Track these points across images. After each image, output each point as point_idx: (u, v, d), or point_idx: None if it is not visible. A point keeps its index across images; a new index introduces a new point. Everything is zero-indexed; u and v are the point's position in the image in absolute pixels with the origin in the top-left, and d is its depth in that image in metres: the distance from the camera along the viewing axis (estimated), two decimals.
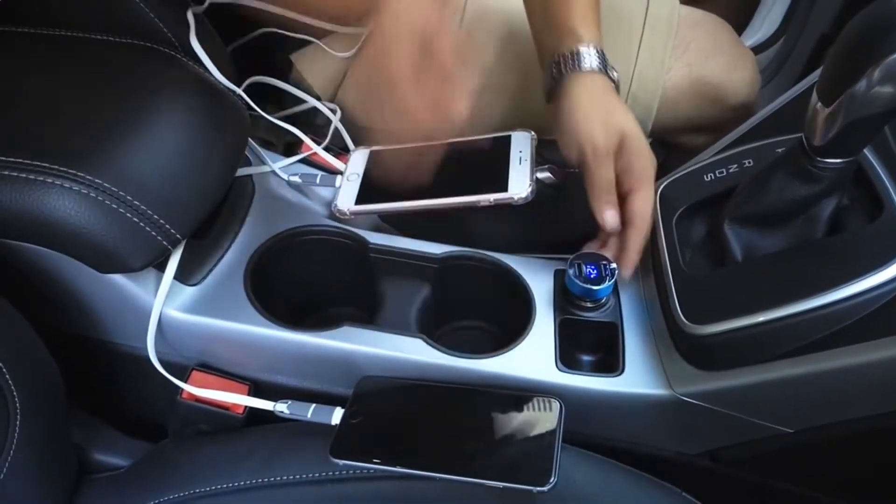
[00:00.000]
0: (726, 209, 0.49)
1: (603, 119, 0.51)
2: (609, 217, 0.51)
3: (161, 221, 0.46)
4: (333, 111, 0.70)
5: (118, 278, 0.49)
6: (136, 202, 0.45)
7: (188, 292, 0.51)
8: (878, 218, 0.44)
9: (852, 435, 0.46)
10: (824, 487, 0.52)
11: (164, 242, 0.47)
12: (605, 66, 0.53)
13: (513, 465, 0.43)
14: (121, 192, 0.44)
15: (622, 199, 0.52)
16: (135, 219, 0.45)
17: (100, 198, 0.44)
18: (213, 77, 0.55)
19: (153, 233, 0.46)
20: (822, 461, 0.50)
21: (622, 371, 0.49)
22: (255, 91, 0.70)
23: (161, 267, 0.49)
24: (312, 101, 0.70)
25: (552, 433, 0.44)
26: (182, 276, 0.51)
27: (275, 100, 0.78)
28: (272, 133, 0.74)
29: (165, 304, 0.50)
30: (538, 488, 0.41)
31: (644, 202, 0.51)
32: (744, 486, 0.54)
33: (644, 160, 0.51)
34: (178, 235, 0.47)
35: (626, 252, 0.51)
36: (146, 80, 0.51)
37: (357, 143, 0.67)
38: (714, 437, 0.51)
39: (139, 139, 0.47)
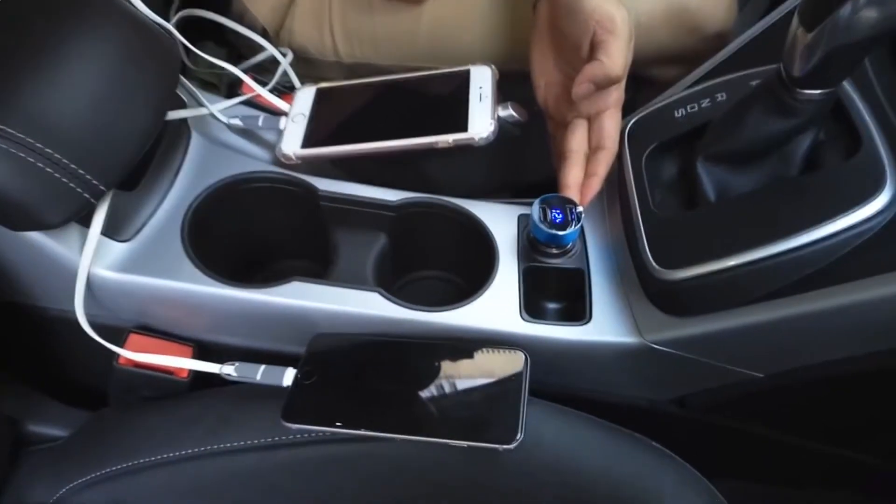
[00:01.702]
0: (699, 146, 0.46)
1: (617, 3, 0.48)
2: (583, 90, 0.48)
3: (80, 171, 0.41)
4: (284, 54, 0.65)
5: (37, 236, 0.44)
6: (48, 150, 0.40)
7: (119, 249, 0.47)
8: (855, 154, 0.42)
9: (824, 378, 0.45)
10: (795, 430, 0.52)
11: (85, 195, 0.42)
12: None
13: (477, 423, 0.41)
14: (29, 139, 0.39)
15: (589, 124, 0.51)
16: (48, 169, 0.40)
17: (4, 146, 0.38)
18: (137, 9, 0.49)
19: (71, 184, 0.41)
20: (792, 404, 0.50)
21: (589, 319, 0.47)
22: (192, 27, 0.64)
23: (85, 222, 0.45)
24: (262, 42, 0.64)
25: (517, 387, 0.42)
26: (111, 231, 0.46)
27: (216, 36, 0.72)
28: (214, 74, 0.69)
29: (94, 263, 0.45)
30: (504, 446, 0.39)
31: (617, 123, 0.50)
32: (712, 430, 0.53)
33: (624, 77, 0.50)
34: (101, 187, 0.42)
35: (594, 178, 0.50)
36: (56, 11, 0.45)
37: (304, 81, 0.61)
38: (684, 383, 0.49)
39: (49, 79, 0.41)
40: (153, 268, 0.47)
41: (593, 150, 0.51)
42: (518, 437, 0.39)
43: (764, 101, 0.42)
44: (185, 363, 0.47)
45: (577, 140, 0.51)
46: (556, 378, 0.49)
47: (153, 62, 0.47)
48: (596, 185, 0.50)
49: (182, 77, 0.57)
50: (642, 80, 0.69)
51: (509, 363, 0.44)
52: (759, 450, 0.57)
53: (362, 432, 0.41)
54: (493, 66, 0.54)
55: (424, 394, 0.43)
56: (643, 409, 0.52)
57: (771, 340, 0.44)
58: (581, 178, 0.50)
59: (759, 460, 0.59)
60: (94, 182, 0.42)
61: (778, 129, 0.42)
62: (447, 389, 0.43)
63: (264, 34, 0.67)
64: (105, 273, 0.46)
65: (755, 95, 0.43)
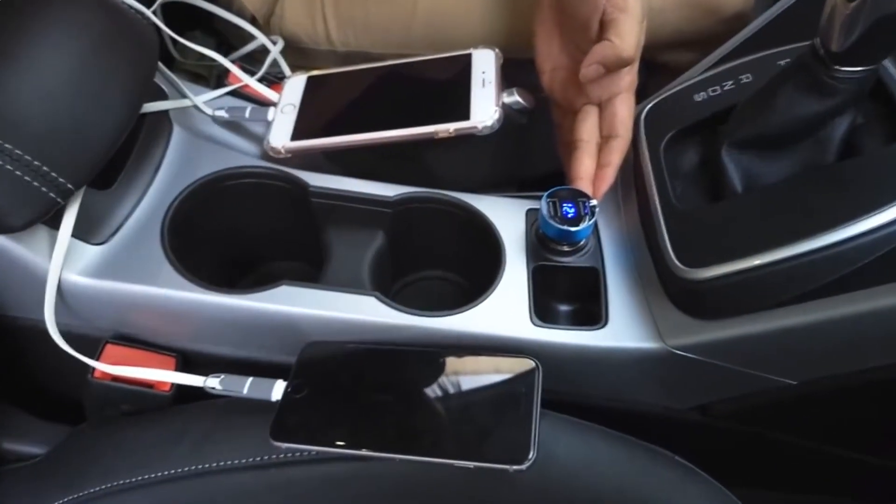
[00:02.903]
0: (723, 132, 0.42)
1: None
2: (591, 72, 0.44)
3: (44, 169, 0.37)
4: (275, 42, 0.61)
5: (1, 240, 0.40)
6: (7, 146, 0.36)
7: (93, 253, 0.43)
8: None
9: (862, 385, 0.41)
10: (827, 438, 0.48)
11: (51, 194, 0.38)
12: None
13: (484, 440, 0.37)
14: None
15: (600, 110, 0.47)
16: (8, 167, 0.36)
17: None
18: None
19: (35, 183, 0.37)
20: (825, 412, 0.46)
21: (605, 323, 0.43)
22: (180, 16, 0.61)
23: (54, 224, 0.41)
24: (251, 30, 0.60)
25: (528, 399, 0.39)
26: (84, 233, 0.43)
27: (205, 26, 0.69)
28: (203, 66, 0.65)
29: (66, 269, 0.42)
30: (515, 467, 0.36)
31: (630, 108, 0.46)
32: (736, 438, 0.50)
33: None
34: (69, 185, 0.39)
35: (608, 168, 0.46)
36: None
37: (296, 71, 0.58)
38: (708, 391, 0.46)
39: (8, 67, 0.37)
40: (131, 273, 0.43)
41: (605, 138, 0.47)
42: (530, 457, 0.36)
43: (797, 80, 0.38)
44: (167, 376, 0.43)
45: (588, 128, 0.47)
46: (568, 386, 0.45)
47: (127, 49, 0.43)
48: (610, 176, 0.46)
49: (165, 67, 0.53)
50: (654, 66, 0.65)
51: (519, 372, 0.40)
52: (786, 459, 0.53)
53: (358, 452, 0.37)
54: (496, 50, 0.51)
55: (426, 408, 0.39)
56: (661, 416, 0.48)
57: (805, 346, 0.40)
58: (593, 168, 0.47)
59: (785, 470, 0.55)
60: (62, 180, 0.38)
61: (813, 111, 0.38)
62: (451, 403, 0.40)
63: (253, 22, 0.64)
64: (78, 279, 0.42)
65: (787, 74, 0.39)
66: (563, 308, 0.47)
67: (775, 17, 0.51)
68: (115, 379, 0.44)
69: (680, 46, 0.63)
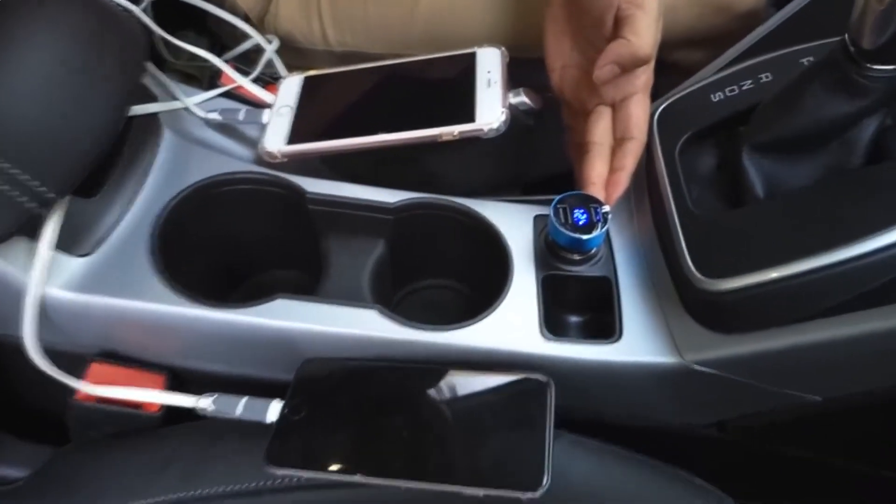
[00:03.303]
0: (744, 134, 0.40)
1: None
2: (606, 72, 0.42)
3: (23, 177, 0.35)
4: (269, 41, 0.59)
5: None
6: None
7: (77, 265, 0.41)
8: None
9: (890, 401, 0.39)
10: (846, 453, 0.46)
11: (31, 204, 0.36)
12: None
13: (495, 466, 0.35)
14: None
15: (614, 111, 0.45)
16: None
17: None
18: None
19: (13, 192, 0.35)
20: (849, 428, 0.44)
21: (619, 336, 0.41)
22: (171, 15, 0.58)
23: (35, 234, 0.39)
24: (245, 28, 0.58)
25: (541, 420, 0.36)
26: (67, 245, 0.40)
27: (197, 25, 0.67)
28: (196, 66, 0.63)
29: (47, 282, 0.39)
30: (528, 494, 0.33)
31: (645, 110, 0.44)
32: (754, 454, 0.48)
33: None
34: (49, 194, 0.36)
35: (621, 172, 0.44)
36: None
37: (292, 71, 0.55)
38: (728, 407, 0.43)
39: None
40: (117, 286, 0.41)
41: (619, 140, 0.45)
42: (544, 483, 0.33)
43: (825, 79, 0.36)
44: (156, 396, 0.41)
45: (601, 130, 0.45)
46: (580, 402, 0.43)
47: (113, 48, 0.41)
48: (623, 180, 0.44)
49: (155, 68, 0.51)
50: (664, 65, 0.63)
51: (530, 391, 0.38)
52: (802, 474, 0.51)
53: (360, 479, 0.35)
54: (502, 48, 0.48)
55: (432, 430, 0.37)
56: (678, 433, 0.46)
57: (833, 361, 0.38)
58: (605, 173, 0.44)
59: (800, 484, 0.53)
60: (41, 189, 0.36)
61: (842, 112, 0.36)
62: (459, 424, 0.37)
63: (247, 21, 0.62)
64: (60, 293, 0.40)
65: (814, 73, 0.37)
66: (575, 320, 0.44)
67: (791, 16, 0.49)
68: (101, 400, 0.41)
69: (691, 45, 0.61)
